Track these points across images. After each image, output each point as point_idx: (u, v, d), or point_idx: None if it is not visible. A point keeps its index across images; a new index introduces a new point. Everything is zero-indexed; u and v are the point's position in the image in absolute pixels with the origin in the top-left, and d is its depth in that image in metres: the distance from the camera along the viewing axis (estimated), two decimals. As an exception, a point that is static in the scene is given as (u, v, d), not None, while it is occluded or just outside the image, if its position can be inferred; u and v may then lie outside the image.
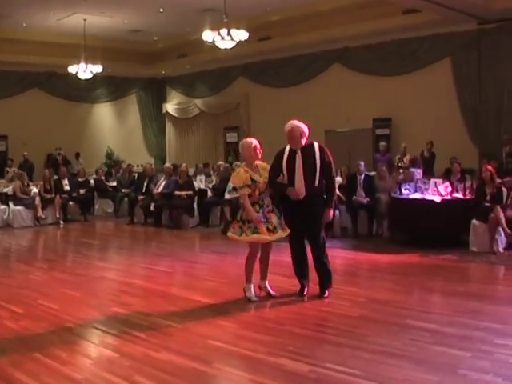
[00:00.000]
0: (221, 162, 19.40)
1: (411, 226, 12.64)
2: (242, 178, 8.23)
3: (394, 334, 6.69)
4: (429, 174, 15.28)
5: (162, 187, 17.19)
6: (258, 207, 8.18)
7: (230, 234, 8.49)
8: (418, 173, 13.67)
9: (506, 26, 17.13)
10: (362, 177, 14.36)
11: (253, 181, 8.19)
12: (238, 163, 18.33)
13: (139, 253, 13.20)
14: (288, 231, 8.34)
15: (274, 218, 8.25)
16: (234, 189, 15.26)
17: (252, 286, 8.41)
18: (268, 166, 8.49)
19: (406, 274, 10.07)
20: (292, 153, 8.37)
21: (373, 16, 18.35)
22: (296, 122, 8.47)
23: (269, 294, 8.54)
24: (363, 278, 10.53)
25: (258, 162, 8.42)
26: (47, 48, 22.01)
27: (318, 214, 8.33)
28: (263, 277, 8.57)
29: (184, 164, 18.15)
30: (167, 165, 19.01)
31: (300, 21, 19.81)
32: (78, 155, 24.70)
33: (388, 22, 18.34)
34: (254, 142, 8.44)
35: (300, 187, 8.19)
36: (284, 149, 8.48)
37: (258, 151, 8.36)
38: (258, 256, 8.41)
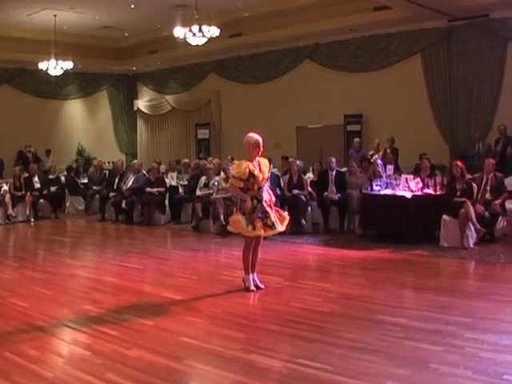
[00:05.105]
0: (187, 160, 19.41)
1: (382, 222, 12.71)
2: (240, 170, 8.41)
3: (366, 329, 6.72)
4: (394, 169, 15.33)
5: (130, 183, 17.15)
6: (256, 202, 8.41)
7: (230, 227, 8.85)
8: (389, 169, 13.74)
9: (476, 23, 17.25)
10: (334, 173, 14.39)
11: (253, 176, 8.37)
12: (208, 160, 18.41)
13: (110, 250, 13.18)
14: (284, 226, 8.68)
15: (272, 214, 8.50)
16: (206, 185, 15.31)
17: (251, 276, 8.64)
18: (268, 163, 8.67)
19: (377, 269, 10.12)
20: None
21: (344, 12, 18.37)
22: None
23: (257, 286, 8.68)
24: (334, 273, 10.56)
25: (259, 158, 8.56)
26: (17, 44, 21.73)
27: None
28: (252, 270, 8.73)
29: (154, 162, 18.19)
30: (135, 161, 18.98)
31: (271, 17, 19.79)
32: (48, 152, 24.48)
33: (359, 19, 18.39)
34: (256, 138, 8.52)
35: None
36: None
37: (258, 148, 8.47)
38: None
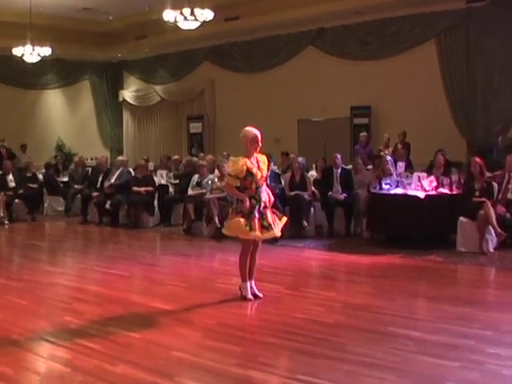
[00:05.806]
0: (176, 156, 19.44)
1: (392, 225, 12.68)
2: (237, 168, 8.43)
3: (375, 342, 6.70)
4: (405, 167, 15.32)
5: (113, 179, 17.12)
6: (254, 201, 8.41)
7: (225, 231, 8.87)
8: (399, 166, 13.73)
9: (497, 3, 17.13)
10: (339, 171, 14.38)
11: (250, 174, 8.38)
12: (201, 156, 18.42)
13: (93, 255, 13.19)
14: (279, 230, 8.67)
15: (269, 215, 8.50)
16: (198, 184, 15.30)
17: (248, 284, 8.63)
18: (267, 160, 8.69)
19: (387, 276, 10.11)
20: None
21: (351, -6, 18.40)
22: None
23: (254, 294, 8.66)
24: (340, 281, 10.58)
25: (257, 155, 8.56)
26: (-12, 28, 21.74)
27: None
28: (249, 276, 8.72)
29: (142, 159, 18.23)
30: (119, 157, 18.96)
31: (271, -2, 19.83)
32: (24, 147, 24.41)
33: (367, 1, 18.38)
34: (254, 132, 8.53)
35: None
36: None
37: (256, 143, 8.48)
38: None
